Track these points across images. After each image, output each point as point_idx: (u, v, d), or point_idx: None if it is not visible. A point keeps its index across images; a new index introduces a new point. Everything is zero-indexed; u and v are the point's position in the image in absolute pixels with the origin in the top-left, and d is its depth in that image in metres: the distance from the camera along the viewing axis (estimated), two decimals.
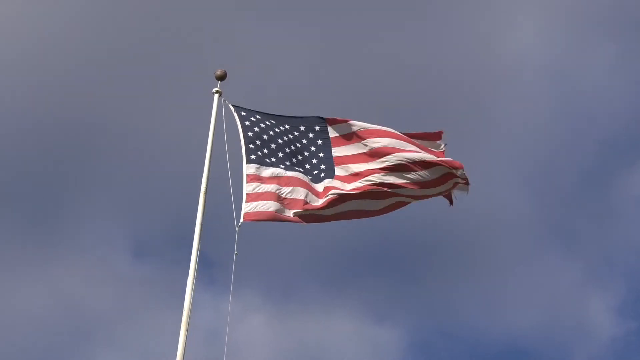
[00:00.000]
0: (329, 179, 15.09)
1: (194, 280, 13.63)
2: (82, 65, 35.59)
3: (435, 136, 15.79)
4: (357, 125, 15.55)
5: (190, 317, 13.40)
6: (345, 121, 15.64)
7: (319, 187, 15.00)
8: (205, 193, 14.41)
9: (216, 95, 15.24)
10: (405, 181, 15.10)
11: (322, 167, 15.26)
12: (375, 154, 15.28)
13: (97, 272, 35.42)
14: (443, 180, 15.32)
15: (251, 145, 14.83)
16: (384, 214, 15.33)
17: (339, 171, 15.21)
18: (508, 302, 38.72)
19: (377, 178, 15.01)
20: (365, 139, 15.43)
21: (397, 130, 15.50)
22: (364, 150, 15.39)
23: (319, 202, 14.72)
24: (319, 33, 38.63)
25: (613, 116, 42.33)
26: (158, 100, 33.75)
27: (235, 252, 13.76)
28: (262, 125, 15.14)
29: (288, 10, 38.52)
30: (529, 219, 40.28)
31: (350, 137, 15.51)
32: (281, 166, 14.84)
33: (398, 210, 15.41)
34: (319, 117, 15.65)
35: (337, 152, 15.39)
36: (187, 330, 13.31)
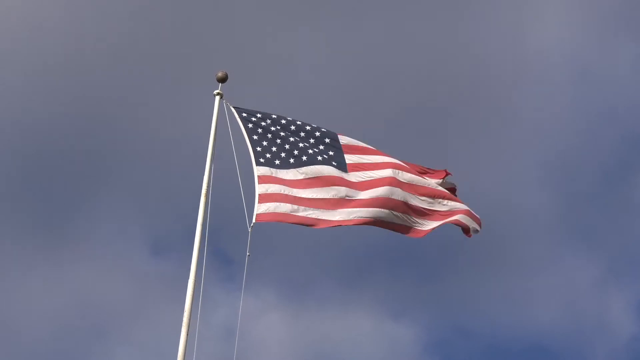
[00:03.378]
0: (343, 171, 15.01)
1: (194, 283, 13.68)
2: (86, 67, 35.85)
3: (439, 174, 15.43)
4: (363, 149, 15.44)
5: (190, 318, 13.42)
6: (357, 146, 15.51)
7: (335, 172, 14.94)
8: (207, 195, 14.43)
9: (217, 98, 15.27)
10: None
11: (334, 163, 15.10)
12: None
13: (114, 270, 35.60)
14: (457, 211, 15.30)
15: (258, 148, 14.86)
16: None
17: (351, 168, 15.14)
18: (527, 300, 38.58)
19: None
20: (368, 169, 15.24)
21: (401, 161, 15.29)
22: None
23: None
24: (322, 35, 38.54)
25: (635, 113, 42.07)
26: (164, 101, 33.88)
27: (248, 254, 13.72)
28: (263, 124, 15.15)
29: (291, 12, 38.51)
30: (549, 216, 40.14)
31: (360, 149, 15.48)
32: (291, 160, 14.87)
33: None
34: (330, 131, 15.51)
35: (349, 159, 15.25)
36: (188, 332, 13.33)
